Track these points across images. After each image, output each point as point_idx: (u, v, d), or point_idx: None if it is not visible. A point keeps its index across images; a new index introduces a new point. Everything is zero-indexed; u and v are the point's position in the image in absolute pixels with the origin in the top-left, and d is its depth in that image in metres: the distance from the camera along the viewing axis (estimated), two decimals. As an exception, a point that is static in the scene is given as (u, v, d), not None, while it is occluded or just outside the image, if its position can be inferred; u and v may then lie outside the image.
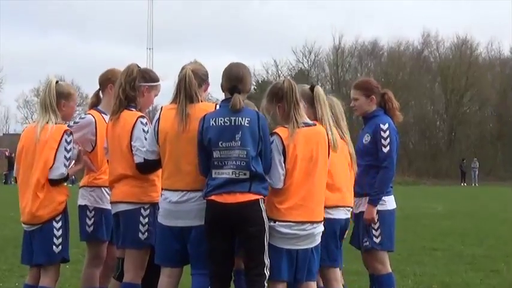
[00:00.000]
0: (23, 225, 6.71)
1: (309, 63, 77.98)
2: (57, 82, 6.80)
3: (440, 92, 76.51)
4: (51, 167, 6.52)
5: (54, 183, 6.57)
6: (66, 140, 6.60)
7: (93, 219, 7.08)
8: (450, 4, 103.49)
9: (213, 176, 5.78)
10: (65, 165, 6.58)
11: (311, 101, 6.41)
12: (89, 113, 7.18)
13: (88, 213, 7.07)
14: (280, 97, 6.05)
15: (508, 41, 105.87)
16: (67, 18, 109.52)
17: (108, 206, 6.89)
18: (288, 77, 6.21)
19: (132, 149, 6.35)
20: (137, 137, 6.36)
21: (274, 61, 75.80)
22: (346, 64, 77.66)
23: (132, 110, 6.49)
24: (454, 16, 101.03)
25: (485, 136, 74.40)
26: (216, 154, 5.78)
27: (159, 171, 6.35)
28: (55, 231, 6.55)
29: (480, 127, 74.98)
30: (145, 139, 6.33)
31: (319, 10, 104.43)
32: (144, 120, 6.48)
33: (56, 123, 6.60)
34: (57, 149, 6.56)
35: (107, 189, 6.99)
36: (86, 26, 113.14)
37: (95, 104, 7.36)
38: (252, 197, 5.74)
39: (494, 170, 69.32)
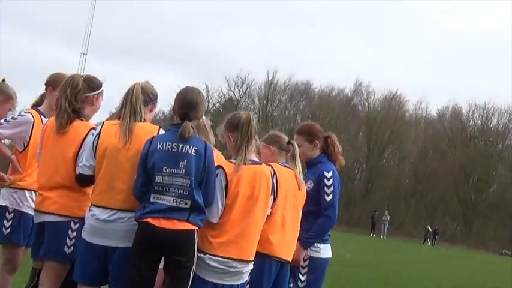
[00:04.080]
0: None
1: (240, 93, 78.39)
2: (3, 80, 6.82)
3: (363, 142, 77.45)
4: None
5: None
6: None
7: (11, 221, 6.89)
8: (386, 59, 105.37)
9: (152, 200, 5.59)
10: None
11: (284, 148, 6.67)
12: (29, 112, 7.01)
13: (7, 214, 6.87)
14: (234, 127, 6.00)
15: (436, 102, 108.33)
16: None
17: (29, 211, 6.79)
18: (248, 111, 6.21)
19: (77, 159, 6.10)
20: (84, 148, 6.10)
21: (206, 86, 75.89)
22: (277, 100, 78.34)
23: (83, 121, 6.29)
24: (389, 71, 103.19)
25: (400, 191, 75.57)
26: (158, 179, 5.59)
27: None
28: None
29: (396, 181, 76.25)
30: None
31: (257, 43, 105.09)
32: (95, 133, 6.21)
33: None
34: None
35: (30, 193, 6.89)
36: (29, 24, 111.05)
37: (38, 104, 7.20)
38: (189, 226, 5.58)
39: (403, 225, 70.40)
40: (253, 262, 6.01)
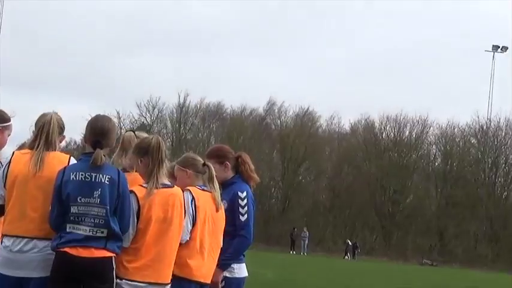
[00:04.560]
0: None
1: (152, 118, 77.96)
2: None
3: (278, 160, 77.70)
4: None
5: None
6: None
7: None
8: (297, 76, 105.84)
9: (68, 230, 5.60)
10: None
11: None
12: None
13: None
14: (144, 152, 6.00)
15: (348, 117, 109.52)
16: None
17: None
18: (157, 135, 6.31)
19: None
20: None
21: (117, 113, 74.99)
22: (189, 123, 78.18)
23: None
24: (300, 89, 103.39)
25: (318, 206, 75.70)
26: (73, 209, 5.61)
27: (1, 218, 6.06)
28: None
29: (314, 197, 76.56)
30: None
31: (166, 67, 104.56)
32: None
33: None
34: None
35: None
36: None
37: None
38: (106, 253, 5.62)
39: (323, 240, 70.80)
40: (169, 285, 6.05)
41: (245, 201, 7.16)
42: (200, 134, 79.19)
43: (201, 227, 6.49)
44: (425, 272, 46.61)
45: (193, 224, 6.41)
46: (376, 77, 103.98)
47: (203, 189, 6.63)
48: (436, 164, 78.80)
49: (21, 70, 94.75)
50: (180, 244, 6.22)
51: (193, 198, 6.42)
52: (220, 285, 7.01)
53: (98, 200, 5.63)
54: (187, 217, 6.27)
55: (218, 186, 6.82)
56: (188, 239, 6.35)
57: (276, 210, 75.27)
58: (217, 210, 6.69)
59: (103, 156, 5.72)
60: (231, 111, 79.82)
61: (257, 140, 76.49)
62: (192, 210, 6.38)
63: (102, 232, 5.62)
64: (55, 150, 5.93)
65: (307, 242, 62.47)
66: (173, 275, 6.14)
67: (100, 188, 5.65)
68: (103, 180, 5.67)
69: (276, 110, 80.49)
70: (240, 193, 7.19)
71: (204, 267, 6.54)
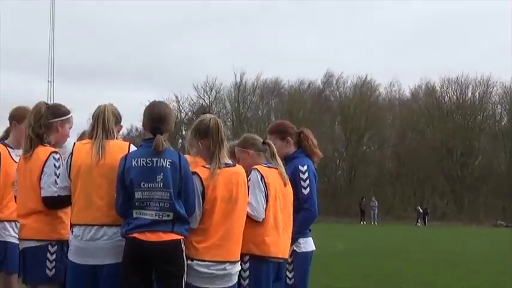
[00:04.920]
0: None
1: (210, 99, 78.02)
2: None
3: (340, 131, 77.46)
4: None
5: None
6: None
7: None
8: (353, 46, 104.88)
9: (135, 215, 5.72)
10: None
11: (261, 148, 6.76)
12: None
13: None
14: (204, 134, 6.06)
15: (407, 83, 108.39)
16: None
17: (13, 240, 7.07)
18: (214, 115, 6.29)
19: (41, 183, 6.33)
20: (47, 172, 6.34)
21: (176, 97, 75.61)
22: (248, 101, 78.11)
23: (45, 146, 6.49)
24: (358, 59, 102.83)
25: (384, 175, 75.36)
26: (138, 195, 5.72)
27: (68, 208, 6.26)
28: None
29: (379, 166, 76.16)
30: (56, 174, 6.32)
31: (221, 47, 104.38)
32: (57, 156, 6.47)
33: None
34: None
35: (10, 224, 7.19)
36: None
37: (4, 138, 7.60)
38: (174, 236, 5.71)
39: (393, 209, 70.40)
40: (239, 263, 6.12)
41: (306, 174, 7.15)
42: (259, 112, 79.11)
43: (273, 203, 6.56)
44: (500, 234, 45.85)
45: (266, 201, 6.49)
46: (434, 40, 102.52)
47: (269, 167, 6.68)
48: (503, 123, 77.62)
49: (78, 59, 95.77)
50: (256, 222, 6.38)
51: (262, 176, 6.50)
52: (288, 260, 6.98)
53: (161, 184, 5.72)
54: (260, 195, 6.41)
55: (281, 162, 6.89)
56: (264, 216, 6.44)
57: (343, 181, 75.16)
58: (285, 185, 6.76)
59: (164, 142, 5.79)
60: (289, 86, 79.73)
61: (317, 113, 76.25)
62: (264, 188, 6.47)
63: (168, 215, 5.71)
64: (114, 139, 6.10)
65: (376, 211, 62.22)
66: (251, 254, 6.35)
67: (162, 172, 5.73)
68: (164, 165, 5.75)
69: (334, 82, 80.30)
70: (300, 167, 7.20)
71: (280, 243, 6.62)
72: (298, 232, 7.00)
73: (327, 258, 20.25)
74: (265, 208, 6.46)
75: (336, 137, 76.70)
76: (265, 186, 6.49)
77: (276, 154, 6.81)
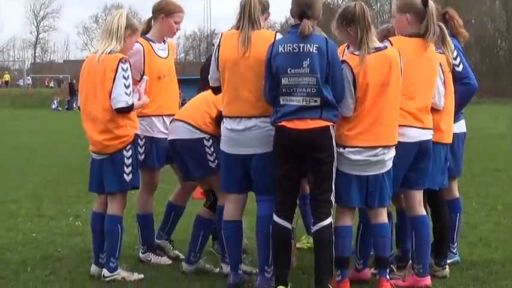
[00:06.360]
0: (92, 153, 6.71)
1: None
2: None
3: (501, 10, 74.89)
4: (113, 98, 6.42)
5: (120, 112, 6.44)
6: (122, 68, 6.46)
7: (144, 147, 7.11)
8: None
9: (282, 103, 5.75)
10: (126, 93, 6.43)
11: (420, 15, 6.23)
12: (138, 42, 7.02)
13: (139, 141, 6.99)
14: (350, 21, 5.91)
15: None
16: None
17: (159, 135, 7.12)
18: (359, 1, 6.01)
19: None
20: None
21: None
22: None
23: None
24: None
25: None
26: (284, 81, 5.72)
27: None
28: (125, 160, 6.56)
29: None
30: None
31: None
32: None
33: (115, 52, 6.52)
34: (114, 78, 6.43)
35: (158, 119, 7.17)
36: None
37: (145, 31, 7.33)
38: (322, 123, 5.69)
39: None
40: (393, 147, 5.98)
41: (455, 52, 6.68)
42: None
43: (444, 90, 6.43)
44: None
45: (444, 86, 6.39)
46: None
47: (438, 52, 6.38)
48: None
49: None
50: (435, 110, 6.30)
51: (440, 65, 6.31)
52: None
53: (308, 69, 5.68)
54: (439, 82, 6.28)
55: (452, 47, 6.55)
56: (442, 104, 6.35)
57: (505, 62, 72.66)
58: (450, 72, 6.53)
59: (310, 26, 5.74)
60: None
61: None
62: (441, 74, 6.33)
63: (316, 101, 5.68)
64: (260, 29, 6.03)
65: (540, 91, 60.01)
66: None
67: (309, 58, 5.69)
68: (311, 50, 5.71)
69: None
70: None
71: (451, 129, 6.58)
72: (459, 106, 6.73)
73: (487, 140, 20.12)
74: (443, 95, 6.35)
75: (496, 16, 74.30)
76: (442, 71, 6.35)
77: (447, 38, 6.49)
